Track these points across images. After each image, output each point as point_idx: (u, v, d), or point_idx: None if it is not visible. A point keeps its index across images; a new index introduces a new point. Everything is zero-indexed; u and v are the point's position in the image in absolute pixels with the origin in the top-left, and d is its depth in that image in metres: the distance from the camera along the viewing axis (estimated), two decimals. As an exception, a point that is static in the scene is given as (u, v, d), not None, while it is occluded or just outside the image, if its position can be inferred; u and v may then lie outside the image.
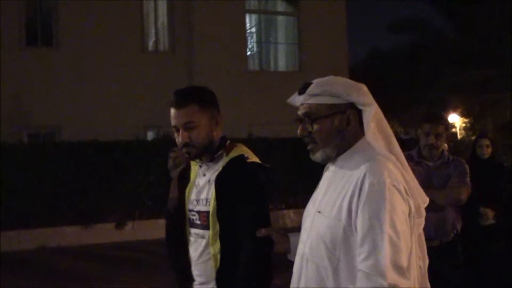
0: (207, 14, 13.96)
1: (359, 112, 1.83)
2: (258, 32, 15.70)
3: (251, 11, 15.33)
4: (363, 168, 1.72)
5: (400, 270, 1.61)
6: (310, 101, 1.84)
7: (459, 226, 4.06)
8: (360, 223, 1.67)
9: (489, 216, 5.20)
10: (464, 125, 21.41)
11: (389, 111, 18.71)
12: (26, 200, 9.57)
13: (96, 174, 10.24)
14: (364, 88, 1.86)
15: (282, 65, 15.96)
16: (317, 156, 1.86)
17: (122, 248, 9.59)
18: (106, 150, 10.49)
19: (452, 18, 19.11)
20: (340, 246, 1.72)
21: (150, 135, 13.49)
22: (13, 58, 12.70)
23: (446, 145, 4.53)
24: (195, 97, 2.14)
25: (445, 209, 3.91)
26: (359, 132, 1.84)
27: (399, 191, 1.69)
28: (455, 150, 11.90)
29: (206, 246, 2.12)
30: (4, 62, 12.47)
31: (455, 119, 21.42)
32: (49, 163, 9.95)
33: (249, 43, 15.43)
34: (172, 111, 2.16)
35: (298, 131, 1.88)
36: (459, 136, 20.21)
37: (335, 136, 1.83)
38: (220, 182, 2.07)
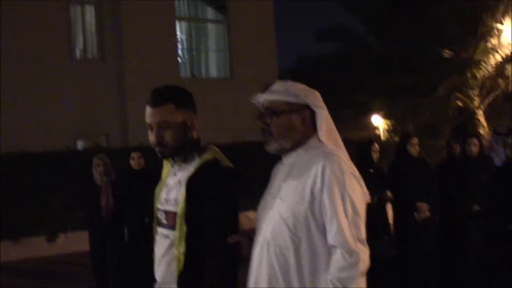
0: (136, 21, 13.80)
1: (312, 114, 2.09)
2: (189, 39, 15.71)
3: (181, 19, 15.31)
4: (320, 159, 1.98)
5: (362, 242, 1.94)
6: (271, 98, 2.09)
7: None
8: (326, 205, 1.93)
9: (424, 210, 5.54)
10: (387, 127, 22.32)
11: (318, 116, 19.21)
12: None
13: (24, 186, 9.87)
14: (318, 94, 2.15)
15: (213, 72, 16.04)
16: (272, 147, 2.11)
17: (54, 261, 9.31)
18: (35, 161, 10.15)
19: (373, 26, 19.95)
20: (302, 227, 1.95)
21: (80, 145, 13.15)
22: None
23: None
24: (172, 97, 2.14)
25: None
26: (311, 131, 2.09)
27: (354, 176, 2.01)
28: (382, 152, 12.41)
29: (170, 246, 2.10)
30: None
31: (379, 122, 22.27)
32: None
33: (179, 50, 15.40)
34: (148, 109, 2.14)
35: (259, 124, 2.11)
36: (383, 138, 21.04)
37: (290, 131, 2.07)
38: (192, 185, 2.07)
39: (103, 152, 7.18)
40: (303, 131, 2.08)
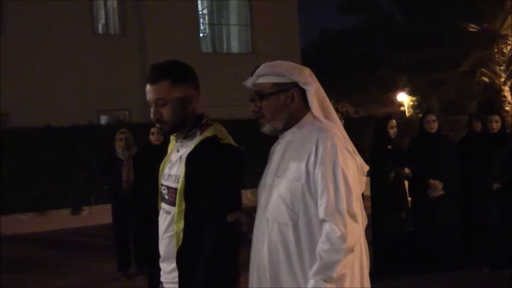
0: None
1: (302, 91, 2.10)
2: (210, 14, 15.67)
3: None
4: (315, 135, 2.00)
5: (353, 216, 1.94)
6: (259, 81, 2.12)
7: None
8: (319, 179, 1.95)
9: (438, 187, 5.53)
10: (412, 103, 22.05)
11: (341, 92, 19.09)
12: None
13: (49, 160, 10.10)
14: (306, 70, 2.13)
15: (235, 47, 16.01)
16: (266, 129, 2.13)
17: (79, 233, 9.52)
18: (59, 136, 10.34)
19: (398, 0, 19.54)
20: (299, 203, 1.98)
21: (103, 119, 13.34)
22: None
23: None
24: (168, 73, 2.10)
25: None
26: (304, 108, 2.11)
27: (348, 151, 2.01)
28: (406, 128, 12.33)
29: (171, 222, 2.10)
30: None
31: (404, 98, 22.01)
32: (-1, 150, 9.73)
33: (201, 25, 15.38)
34: (147, 86, 2.12)
35: (251, 108, 2.13)
36: (407, 114, 20.82)
37: (281, 111, 2.09)
38: (191, 161, 2.05)
39: (125, 127, 7.29)
40: (294, 109, 2.10)
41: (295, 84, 2.09)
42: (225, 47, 15.96)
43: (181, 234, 2.04)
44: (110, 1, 14.25)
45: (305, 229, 1.97)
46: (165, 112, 2.09)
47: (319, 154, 1.96)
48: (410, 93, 21.63)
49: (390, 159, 5.61)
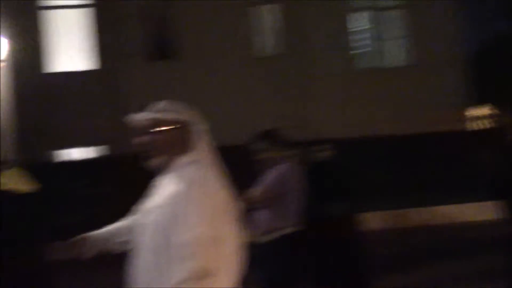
0: (316, 15, 14.12)
1: (189, 132, 2.27)
2: (367, 29, 15.61)
3: (358, 9, 15.30)
4: (187, 171, 2.21)
5: (204, 243, 2.07)
6: (152, 116, 2.28)
7: (282, 229, 4.17)
8: (179, 207, 2.13)
9: None
10: None
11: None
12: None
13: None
14: (196, 112, 2.34)
15: (393, 61, 15.72)
16: (154, 163, 2.28)
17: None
18: (228, 155, 11.00)
19: None
20: (169, 230, 2.14)
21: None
22: (139, 71, 13.78)
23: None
24: None
25: (261, 208, 4.16)
26: (187, 147, 2.26)
27: (209, 184, 2.18)
28: None
29: None
30: (130, 75, 13.55)
31: None
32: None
33: (357, 40, 15.39)
34: None
35: (138, 141, 2.27)
36: None
37: (171, 147, 2.26)
38: None
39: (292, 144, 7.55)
40: (182, 146, 2.26)
41: (184, 124, 2.27)
42: (381, 61, 15.73)
43: None
44: (269, 23, 14.92)
45: (165, 254, 2.11)
46: None
47: (182, 187, 2.15)
48: None
49: None
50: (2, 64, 4.82)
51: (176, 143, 2.27)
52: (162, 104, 2.33)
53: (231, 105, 13.81)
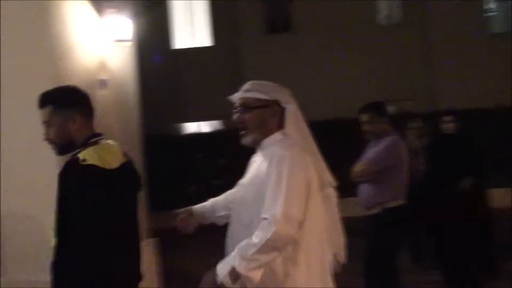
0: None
1: (282, 110, 2.34)
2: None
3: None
4: (277, 149, 2.26)
5: (288, 219, 2.13)
6: (244, 95, 2.38)
7: (387, 202, 4.07)
8: (268, 183, 2.19)
9: None
10: None
11: None
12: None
13: (339, 151, 10.66)
14: (287, 91, 2.40)
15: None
16: (246, 140, 2.38)
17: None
18: (348, 128, 10.83)
19: None
20: (257, 206, 2.21)
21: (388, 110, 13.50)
22: (257, 46, 13.93)
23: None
24: (50, 99, 2.34)
25: (372, 182, 4.09)
26: (281, 125, 2.34)
27: (298, 162, 2.23)
28: None
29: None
30: (248, 50, 13.74)
31: None
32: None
33: (486, 3, 14.30)
34: None
35: (235, 119, 2.38)
36: None
37: (261, 125, 2.35)
38: (59, 181, 2.28)
39: (412, 117, 7.28)
40: (273, 125, 2.34)
41: (276, 103, 2.34)
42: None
43: (56, 249, 2.32)
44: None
45: (254, 229, 2.18)
46: (51, 133, 2.34)
47: (272, 163, 2.22)
48: None
49: None
50: (128, 43, 5.04)
51: (266, 122, 2.35)
52: (251, 84, 2.40)
53: (351, 76, 13.54)
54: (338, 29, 13.65)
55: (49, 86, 3.90)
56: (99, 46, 4.68)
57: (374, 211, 4.11)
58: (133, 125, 5.36)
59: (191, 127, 14.92)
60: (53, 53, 4.05)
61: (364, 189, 4.19)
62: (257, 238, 2.12)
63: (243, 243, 2.15)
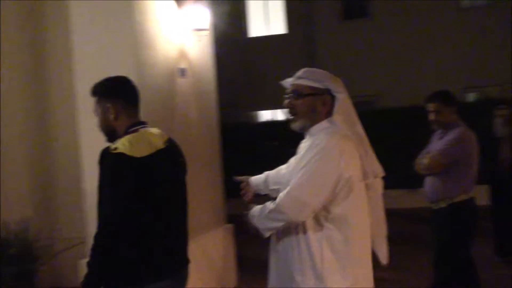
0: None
1: (332, 99, 2.40)
2: None
3: None
4: (321, 136, 2.33)
5: (296, 202, 2.25)
6: (297, 82, 2.45)
7: (456, 196, 3.89)
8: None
9: None
10: None
11: None
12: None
13: (412, 139, 10.37)
14: (339, 80, 2.43)
15: None
16: (296, 125, 2.46)
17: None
18: (424, 115, 10.50)
19: None
20: None
21: (469, 97, 12.97)
22: (332, 32, 13.76)
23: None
24: (95, 90, 2.49)
25: (440, 176, 3.90)
26: (330, 113, 2.40)
27: (332, 153, 2.26)
28: None
29: None
30: (324, 37, 13.59)
31: None
32: (369, 129, 10.44)
33: None
34: None
35: (285, 104, 2.46)
36: None
37: (312, 112, 2.41)
38: (99, 166, 2.40)
39: (498, 103, 6.97)
40: (322, 112, 2.40)
41: (327, 91, 2.39)
42: None
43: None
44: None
45: None
46: (98, 122, 2.52)
47: (309, 149, 2.31)
48: None
49: None
50: (206, 32, 5.12)
51: (316, 109, 2.40)
52: (302, 72, 2.46)
53: (431, 63, 13.09)
54: (418, 13, 13.20)
55: (131, 75, 4.05)
56: (179, 35, 4.79)
57: (442, 204, 3.96)
58: (210, 113, 5.47)
59: (267, 115, 15.00)
60: (135, 43, 4.19)
61: (431, 182, 4.03)
62: (269, 206, 2.31)
63: (267, 203, 2.34)
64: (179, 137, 4.66)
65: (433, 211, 4.04)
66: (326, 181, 2.25)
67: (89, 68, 4.25)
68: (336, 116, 2.38)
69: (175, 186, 2.47)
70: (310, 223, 2.29)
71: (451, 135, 3.96)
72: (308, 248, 2.28)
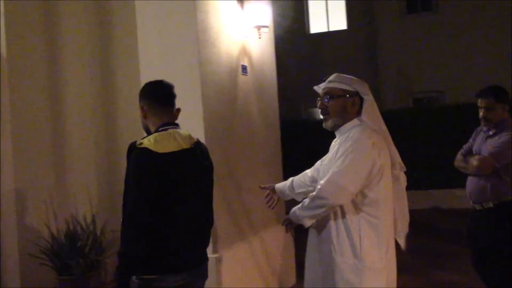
0: None
1: (361, 100, 2.73)
2: None
3: None
4: (352, 132, 2.66)
5: (335, 186, 2.54)
6: (330, 85, 2.77)
7: (504, 196, 3.70)
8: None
9: None
10: None
11: None
12: (417, 163, 10.06)
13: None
14: (366, 84, 2.76)
15: None
16: (328, 124, 2.78)
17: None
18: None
19: None
20: None
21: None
22: (394, 27, 13.45)
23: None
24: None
25: (486, 176, 3.72)
26: (359, 112, 2.73)
27: (366, 143, 2.58)
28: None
29: None
30: (385, 32, 13.31)
31: None
32: (433, 126, 10.21)
33: None
34: None
35: (319, 105, 2.78)
36: None
37: (343, 112, 2.73)
38: (126, 160, 2.53)
39: None
40: (352, 113, 2.72)
41: (357, 93, 2.71)
42: None
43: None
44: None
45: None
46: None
47: (344, 144, 2.61)
48: None
49: None
50: (267, 29, 5.13)
51: (346, 109, 2.71)
52: (335, 76, 2.77)
53: (497, 57, 12.57)
54: (483, 5, 12.69)
55: (193, 73, 4.16)
56: (241, 33, 4.82)
57: (489, 205, 3.74)
58: (271, 110, 5.47)
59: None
60: (198, 41, 4.24)
61: (475, 182, 3.82)
62: (310, 196, 2.61)
63: (304, 200, 2.65)
64: (241, 133, 4.76)
65: (475, 212, 3.85)
66: (362, 168, 2.55)
67: (154, 66, 4.33)
68: (365, 115, 2.69)
69: (195, 186, 2.52)
70: (348, 206, 2.58)
71: (504, 137, 3.71)
72: (347, 229, 2.57)
